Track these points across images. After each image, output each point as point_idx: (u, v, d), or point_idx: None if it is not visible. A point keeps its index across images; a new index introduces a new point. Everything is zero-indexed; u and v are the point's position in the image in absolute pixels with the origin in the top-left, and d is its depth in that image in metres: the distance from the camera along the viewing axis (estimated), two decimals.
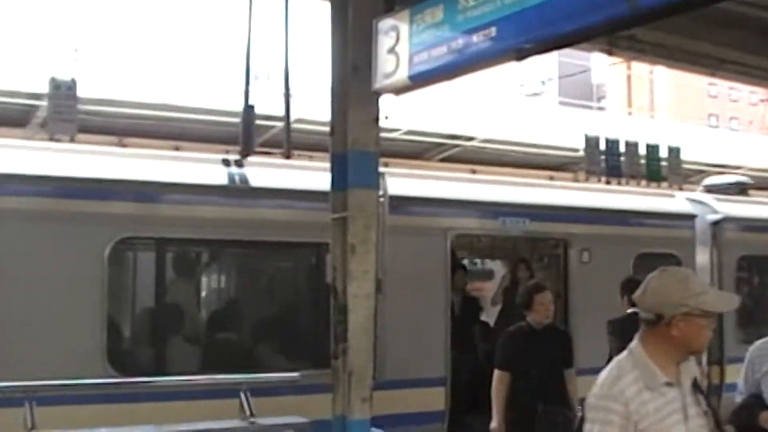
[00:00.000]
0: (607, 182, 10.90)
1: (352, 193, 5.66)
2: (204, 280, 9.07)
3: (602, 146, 10.94)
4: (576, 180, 11.94)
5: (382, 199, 7.53)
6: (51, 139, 7.91)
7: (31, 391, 5.35)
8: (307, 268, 8.95)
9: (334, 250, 5.76)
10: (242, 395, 5.79)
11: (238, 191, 8.12)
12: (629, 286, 7.42)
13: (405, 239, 8.35)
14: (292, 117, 8.53)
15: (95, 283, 7.44)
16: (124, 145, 9.03)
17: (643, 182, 11.06)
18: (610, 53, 7.89)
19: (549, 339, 7.20)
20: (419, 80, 5.24)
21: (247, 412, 5.76)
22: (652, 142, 11.24)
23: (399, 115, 9.35)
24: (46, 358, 7.14)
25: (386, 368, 7.60)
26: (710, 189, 12.26)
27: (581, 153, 11.24)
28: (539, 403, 6.90)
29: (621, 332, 7.02)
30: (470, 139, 11.82)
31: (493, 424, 7.09)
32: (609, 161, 10.95)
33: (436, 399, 8.75)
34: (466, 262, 12.03)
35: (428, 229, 8.93)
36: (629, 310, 7.50)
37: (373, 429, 5.77)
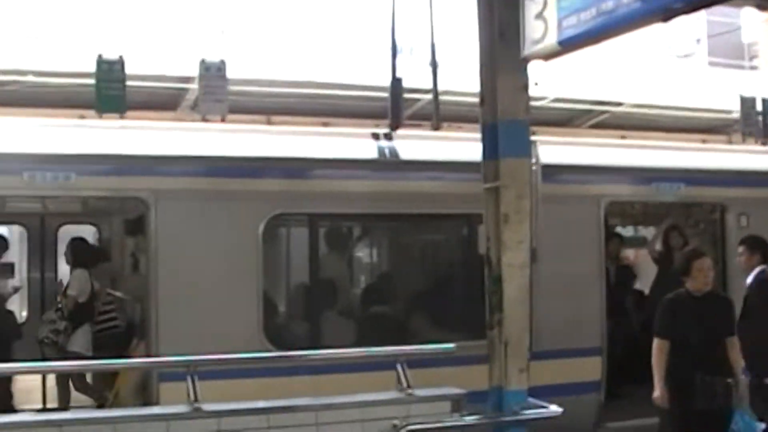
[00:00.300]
0: (764, 143, 10.41)
1: (503, 163, 5.57)
2: (356, 254, 9.20)
3: (759, 107, 10.46)
4: (730, 142, 11.43)
5: (534, 168, 7.42)
6: (203, 120, 8.13)
7: (193, 365, 5.49)
8: (459, 239, 8.95)
9: (487, 220, 5.69)
10: (399, 367, 5.82)
11: (388, 164, 8.17)
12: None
13: (558, 208, 8.22)
14: (440, 89, 8.49)
15: (251, 259, 7.68)
16: (272, 124, 9.22)
17: None
18: (761, 8, 7.46)
19: (709, 306, 6.93)
20: (568, 45, 5.11)
21: (404, 384, 5.79)
22: None
23: (546, 82, 9.15)
24: (207, 332, 7.44)
25: (542, 338, 7.51)
26: None
27: (735, 115, 10.80)
28: (698, 372, 6.67)
29: None
30: (619, 104, 11.48)
31: (656, 394, 6.89)
32: (766, 122, 10.46)
33: (592, 369, 8.62)
34: (619, 229, 11.75)
35: (581, 197, 8.76)
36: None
37: (530, 399, 5.70)
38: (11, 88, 8.84)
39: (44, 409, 10.19)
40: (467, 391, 5.90)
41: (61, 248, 11.95)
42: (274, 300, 8.30)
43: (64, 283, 9.90)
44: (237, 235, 7.67)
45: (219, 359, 6.34)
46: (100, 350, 10.04)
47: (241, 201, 7.69)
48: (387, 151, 8.24)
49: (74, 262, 9.81)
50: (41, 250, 12.03)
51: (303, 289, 8.31)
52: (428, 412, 5.74)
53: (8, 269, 11.87)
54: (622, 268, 10.55)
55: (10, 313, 10.47)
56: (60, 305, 9.55)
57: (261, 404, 5.60)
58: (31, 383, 11.13)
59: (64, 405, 9.74)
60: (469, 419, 5.74)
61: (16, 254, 12.94)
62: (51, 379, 10.93)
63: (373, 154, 8.20)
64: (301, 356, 6.85)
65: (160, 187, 7.53)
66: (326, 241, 8.51)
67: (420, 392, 5.82)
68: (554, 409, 5.73)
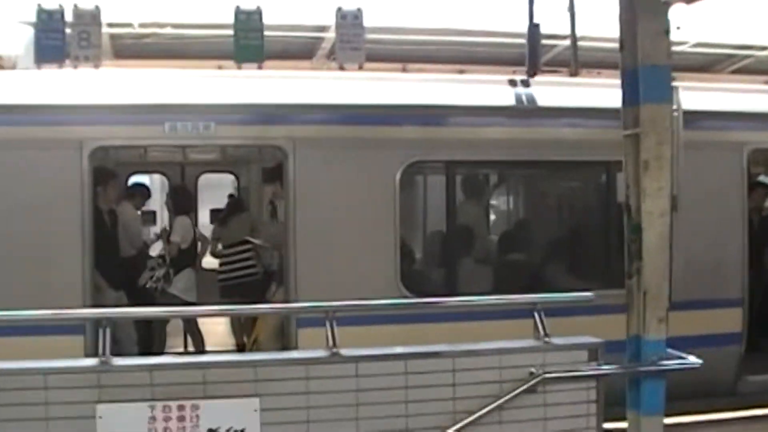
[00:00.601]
0: None
1: (644, 109, 5.57)
2: (493, 201, 9.29)
3: None
4: None
5: (675, 114, 7.33)
6: (339, 69, 8.34)
7: (331, 311, 5.70)
8: (597, 187, 8.91)
9: (627, 167, 5.72)
10: (536, 315, 5.92)
11: (526, 111, 8.20)
12: None
13: (699, 155, 8.07)
14: (578, 34, 8.44)
15: (388, 206, 7.89)
16: (408, 72, 9.35)
17: None
18: None
19: None
20: None
21: (541, 332, 5.89)
22: None
23: (688, 26, 8.96)
24: (344, 279, 7.72)
25: (681, 288, 7.48)
26: None
27: None
28: None
29: None
30: (764, 48, 11.09)
31: None
32: None
33: (732, 320, 8.51)
34: (763, 178, 11.41)
35: (723, 144, 8.59)
36: None
37: (669, 350, 5.74)
38: (151, 41, 9.26)
39: (185, 352, 10.76)
40: (604, 341, 5.96)
41: (202, 197, 12.54)
42: (411, 247, 8.51)
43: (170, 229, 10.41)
44: (374, 182, 7.88)
45: (357, 305, 6.59)
46: (238, 296, 10.57)
47: (378, 149, 7.88)
48: (524, 98, 8.26)
49: (176, 210, 10.32)
50: None
51: (439, 236, 8.47)
52: (565, 361, 5.82)
53: (150, 217, 12.52)
54: (765, 219, 10.27)
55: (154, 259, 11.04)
56: (162, 252, 10.05)
57: (398, 350, 5.77)
58: (174, 327, 11.78)
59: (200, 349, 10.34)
60: (606, 368, 5.83)
61: (158, 203, 13.60)
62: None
63: (510, 101, 8.24)
64: (437, 303, 7.05)
65: (298, 135, 7.79)
66: (463, 189, 8.63)
67: (557, 341, 5.90)
68: (694, 360, 5.76)
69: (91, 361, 5.44)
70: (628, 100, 5.75)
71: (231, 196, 12.33)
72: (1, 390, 5.13)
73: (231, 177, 13.41)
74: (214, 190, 13.42)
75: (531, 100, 8.26)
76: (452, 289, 8.08)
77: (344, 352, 5.57)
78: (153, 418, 5.26)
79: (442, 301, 7.21)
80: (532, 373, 5.69)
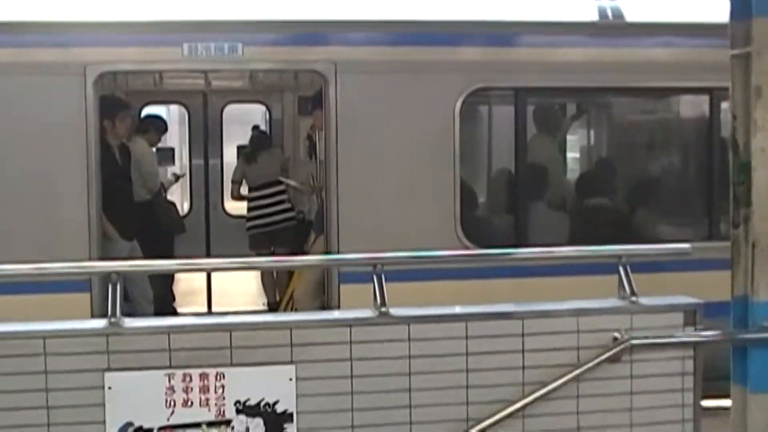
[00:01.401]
0: None
1: (757, 24, 5.40)
2: (570, 136, 9.20)
3: None
4: None
5: None
6: None
7: (379, 263, 5.66)
8: (696, 118, 8.78)
9: (734, 94, 5.57)
10: (621, 270, 5.82)
11: (611, 28, 8.09)
12: None
13: None
14: None
15: (446, 141, 7.88)
16: None
17: None
18: None
19: None
20: None
21: (627, 291, 5.80)
22: None
23: None
24: (394, 227, 7.79)
25: None
26: None
27: None
28: None
29: None
30: None
31: None
32: None
33: None
34: None
35: None
36: None
37: None
38: None
39: (210, 313, 10.90)
40: (703, 302, 5.88)
41: (228, 130, 12.61)
42: (474, 190, 8.52)
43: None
44: (430, 113, 7.86)
45: (409, 257, 6.51)
46: (270, 246, 10.65)
47: (435, 73, 7.84)
48: (609, 12, 8.14)
49: None
50: (204, 133, 12.62)
51: (507, 177, 8.43)
52: (656, 325, 5.72)
53: (168, 155, 12.62)
54: None
55: (172, 204, 11.16)
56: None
57: (458, 310, 5.71)
58: (196, 283, 11.94)
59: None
60: (706, 334, 5.74)
61: (176, 137, 13.71)
62: (219, 278, 11.67)
63: (592, 15, 8.12)
64: (504, 255, 6.98)
65: (341, 58, 7.76)
66: (535, 121, 8.56)
67: (646, 301, 5.80)
68: None
69: (98, 323, 5.44)
70: (737, 12, 5.58)
71: (256, 128, 12.35)
72: None
73: (261, 108, 13.44)
74: (242, 124, 13.50)
75: (618, 14, 8.13)
76: (521, 239, 8.06)
77: (394, 311, 5.52)
78: (171, 389, 5.27)
79: (509, 252, 7.14)
80: (616, 339, 5.60)
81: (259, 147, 11.12)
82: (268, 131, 12.81)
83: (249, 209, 11.07)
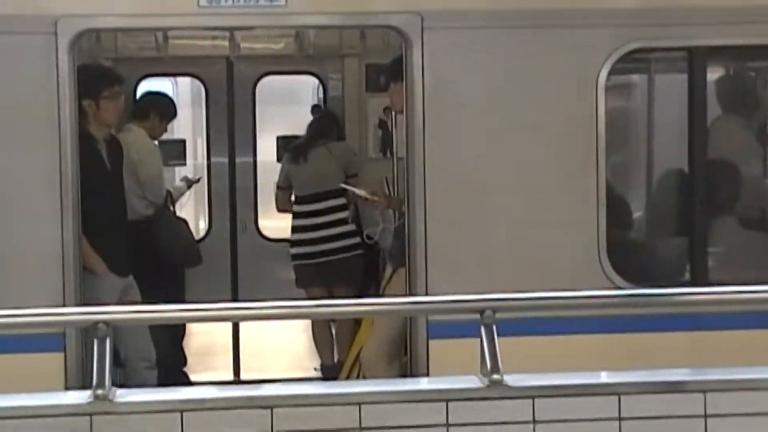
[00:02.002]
0: None
1: None
2: None
3: None
4: None
5: None
6: None
7: (490, 309, 5.63)
8: None
9: None
10: None
11: None
12: None
13: None
14: None
15: (584, 128, 7.89)
16: None
17: None
18: None
19: None
20: None
21: None
22: None
23: None
24: (507, 256, 7.84)
25: None
26: None
27: None
28: None
29: None
30: None
31: None
32: None
33: None
34: None
35: None
36: None
37: None
38: None
39: (238, 382, 10.94)
40: None
41: (262, 112, 12.65)
42: (626, 201, 8.55)
43: None
44: (560, 88, 7.89)
45: (532, 300, 6.48)
46: (326, 284, 10.67)
47: (568, 29, 7.88)
48: None
49: None
50: (229, 118, 12.69)
51: (677, 181, 8.43)
52: None
53: (177, 151, 12.70)
54: None
55: (183, 223, 11.18)
56: None
57: (606, 378, 5.74)
58: (217, 339, 12.01)
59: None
60: None
61: (189, 125, 13.79)
62: (250, 331, 11.72)
63: None
64: (675, 297, 6.88)
65: (430, 8, 7.78)
66: (720, 96, 8.54)
67: None
68: None
69: (77, 396, 5.48)
70: None
71: (316, 108, 12.37)
72: None
73: (312, 82, 13.49)
74: (284, 105, 13.57)
75: None
76: (699, 274, 8.04)
77: (512, 379, 5.53)
78: None
79: (682, 293, 7.04)
80: None
81: (316, 137, 11.11)
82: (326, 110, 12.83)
83: (294, 229, 11.09)
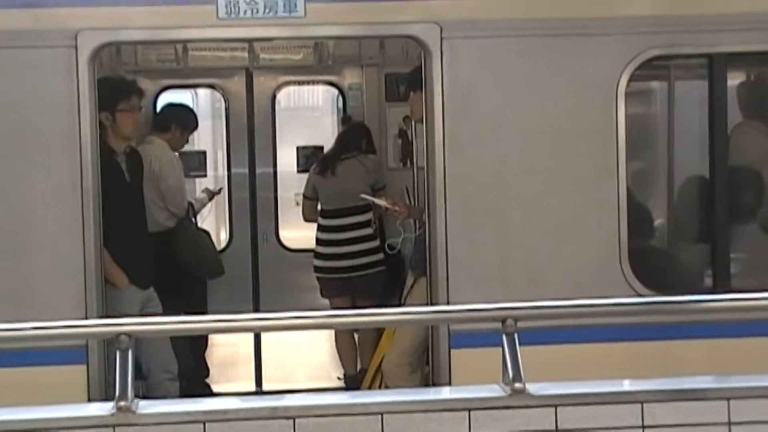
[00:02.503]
0: None
1: None
2: None
3: None
4: None
5: None
6: None
7: (511, 318, 5.63)
8: None
9: None
10: None
11: None
12: None
13: None
14: None
15: (604, 135, 7.89)
16: None
17: None
18: None
19: None
20: None
21: None
22: None
23: None
24: (526, 265, 7.84)
25: None
26: None
27: None
28: None
29: None
30: None
31: None
32: None
33: None
34: None
35: None
36: None
37: None
38: None
39: (260, 392, 10.94)
40: None
41: (282, 122, 12.65)
42: (647, 207, 8.55)
43: None
44: (580, 96, 7.88)
45: (554, 308, 6.48)
46: (348, 291, 10.66)
47: (587, 36, 7.87)
48: None
49: None
50: (249, 129, 12.70)
51: (698, 187, 8.42)
52: None
53: (198, 161, 12.72)
54: None
55: (205, 234, 11.19)
56: None
57: (629, 386, 5.74)
58: (239, 350, 12.01)
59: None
60: None
61: (209, 136, 13.80)
62: (272, 342, 11.72)
63: None
64: (698, 305, 6.87)
65: (449, 18, 7.79)
66: (741, 102, 8.51)
67: None
68: None
69: (100, 408, 5.51)
70: None
71: (346, 119, 12.35)
72: None
73: (332, 92, 13.50)
74: (304, 117, 13.58)
75: None
76: (722, 280, 8.02)
77: (534, 388, 5.54)
78: None
79: (705, 299, 7.03)
80: None
81: (346, 150, 11.10)
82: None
83: (319, 242, 11.07)
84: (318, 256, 10.99)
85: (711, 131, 8.07)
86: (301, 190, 11.31)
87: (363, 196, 10.49)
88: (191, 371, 10.09)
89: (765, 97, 8.88)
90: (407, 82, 9.33)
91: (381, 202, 10.36)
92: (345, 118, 12.34)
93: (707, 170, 8.16)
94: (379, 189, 10.79)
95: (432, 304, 7.89)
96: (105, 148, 8.37)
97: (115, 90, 8.97)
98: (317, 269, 10.97)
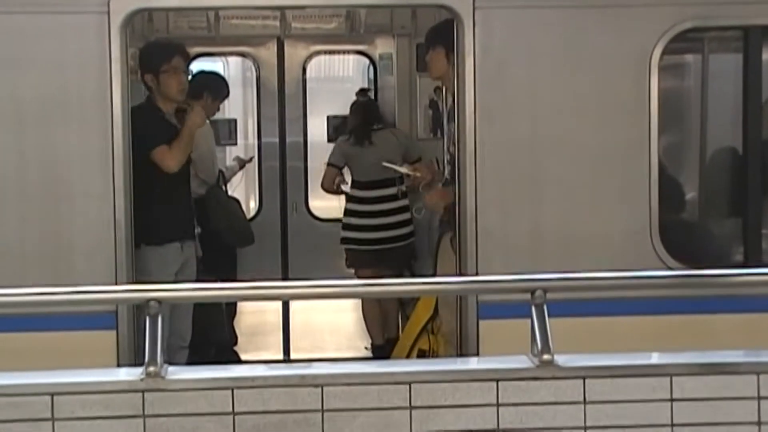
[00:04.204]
0: None
1: None
2: None
3: None
4: None
5: None
6: None
7: (540, 289, 5.63)
8: None
9: None
10: None
11: None
12: None
13: None
14: None
15: (636, 110, 7.86)
16: None
17: None
18: None
19: None
20: None
21: None
22: None
23: None
24: (557, 237, 7.85)
25: None
26: None
27: None
28: None
29: None
30: None
31: None
32: None
33: None
34: None
35: None
36: None
37: None
38: None
39: (288, 361, 10.99)
40: None
41: (313, 91, 12.66)
42: (678, 181, 8.55)
43: None
44: (613, 68, 7.86)
45: (583, 280, 6.49)
46: (375, 263, 10.68)
47: (620, 7, 7.85)
48: None
49: None
50: (280, 98, 12.72)
51: (731, 161, 8.39)
52: None
53: (229, 129, 12.74)
54: None
55: (235, 202, 11.22)
56: None
57: (657, 359, 5.75)
58: (267, 318, 12.05)
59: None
60: None
61: (240, 105, 13.81)
62: (299, 310, 11.75)
63: None
64: (728, 278, 6.86)
65: None
66: None
67: None
68: None
69: (130, 373, 5.55)
70: None
71: (363, 92, 12.36)
72: None
73: (362, 62, 13.50)
74: (335, 86, 13.58)
75: None
76: (754, 255, 8.03)
77: (562, 360, 5.55)
78: None
79: (736, 273, 7.03)
80: None
81: (374, 119, 11.12)
82: (373, 94, 12.82)
83: (351, 213, 11.07)
84: (349, 227, 11.00)
85: (744, 105, 8.05)
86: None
87: (385, 164, 10.49)
88: (225, 340, 10.16)
89: None
90: (426, 39, 9.29)
91: (402, 169, 10.39)
92: (362, 91, 12.32)
93: (740, 144, 8.15)
94: (414, 162, 10.77)
95: (461, 274, 7.89)
96: (154, 107, 8.54)
97: (157, 52, 9.12)
98: (347, 240, 10.99)
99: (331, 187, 11.24)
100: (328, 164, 11.27)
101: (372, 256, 10.83)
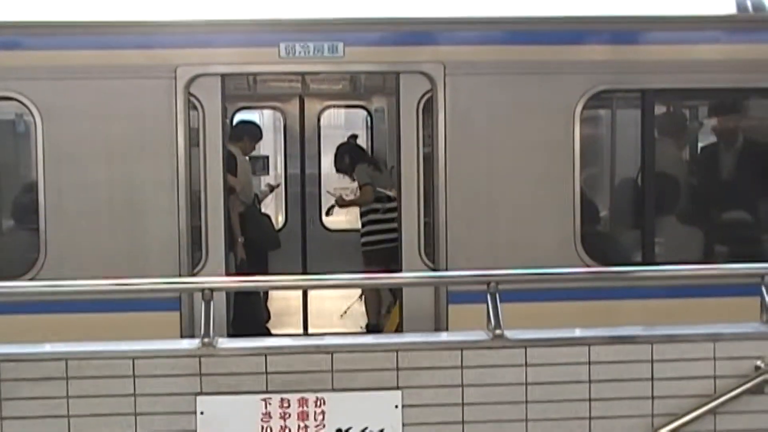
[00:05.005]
0: None
1: None
2: (705, 143, 9.03)
3: None
4: None
5: None
6: None
7: (493, 281, 5.67)
8: None
9: None
10: (764, 291, 5.71)
11: (752, 23, 7.99)
12: None
13: None
14: None
15: (565, 149, 7.84)
16: None
17: None
18: None
19: None
20: None
21: None
22: None
23: None
24: (507, 243, 7.79)
25: None
26: None
27: None
28: None
29: None
30: None
31: None
32: None
33: None
34: None
35: None
36: None
37: None
38: None
39: (307, 334, 10.98)
40: None
41: (326, 134, 12.68)
42: (595, 202, 8.47)
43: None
44: (548, 119, 7.84)
45: (526, 275, 6.55)
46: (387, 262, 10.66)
47: (554, 75, 7.83)
48: (750, 5, 7.99)
49: None
50: (301, 139, 12.73)
51: (633, 188, 8.35)
52: None
53: (262, 163, 12.76)
54: None
55: (266, 217, 11.28)
56: None
57: (579, 333, 5.74)
58: (290, 303, 12.04)
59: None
60: None
61: (271, 145, 13.82)
62: (315, 297, 11.74)
63: (730, 8, 8.00)
64: (630, 274, 6.93)
65: (450, 59, 7.78)
66: (664, 126, 8.44)
67: None
68: None
69: (190, 343, 5.59)
70: None
71: (354, 137, 12.44)
72: (79, 378, 5.31)
73: (363, 114, 13.53)
74: (341, 131, 13.58)
75: (759, 7, 7.97)
76: (649, 256, 7.98)
77: (509, 334, 5.57)
78: (267, 415, 5.35)
79: (635, 270, 7.10)
80: (758, 368, 5.53)
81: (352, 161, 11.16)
82: (369, 138, 12.86)
83: (367, 222, 10.97)
84: (366, 234, 10.85)
85: (643, 147, 8.05)
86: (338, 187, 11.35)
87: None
88: (264, 319, 10.17)
89: (682, 122, 8.90)
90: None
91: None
92: (352, 136, 12.48)
93: (640, 176, 8.15)
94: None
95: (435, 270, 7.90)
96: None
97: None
98: (368, 243, 10.83)
99: (370, 197, 10.97)
100: (364, 184, 11.01)
101: (385, 253, 10.66)
